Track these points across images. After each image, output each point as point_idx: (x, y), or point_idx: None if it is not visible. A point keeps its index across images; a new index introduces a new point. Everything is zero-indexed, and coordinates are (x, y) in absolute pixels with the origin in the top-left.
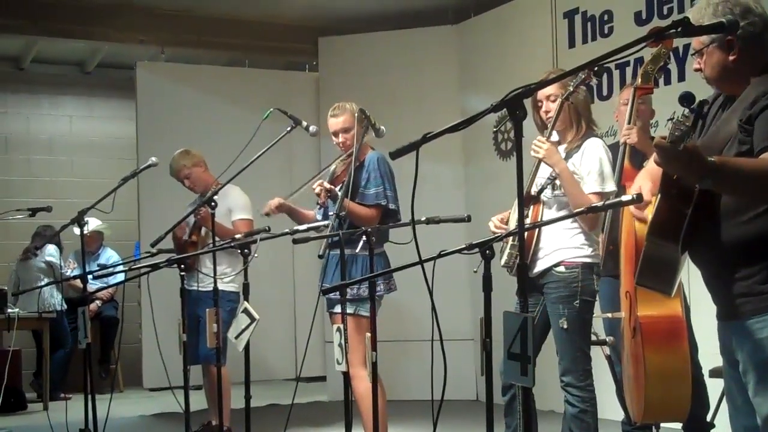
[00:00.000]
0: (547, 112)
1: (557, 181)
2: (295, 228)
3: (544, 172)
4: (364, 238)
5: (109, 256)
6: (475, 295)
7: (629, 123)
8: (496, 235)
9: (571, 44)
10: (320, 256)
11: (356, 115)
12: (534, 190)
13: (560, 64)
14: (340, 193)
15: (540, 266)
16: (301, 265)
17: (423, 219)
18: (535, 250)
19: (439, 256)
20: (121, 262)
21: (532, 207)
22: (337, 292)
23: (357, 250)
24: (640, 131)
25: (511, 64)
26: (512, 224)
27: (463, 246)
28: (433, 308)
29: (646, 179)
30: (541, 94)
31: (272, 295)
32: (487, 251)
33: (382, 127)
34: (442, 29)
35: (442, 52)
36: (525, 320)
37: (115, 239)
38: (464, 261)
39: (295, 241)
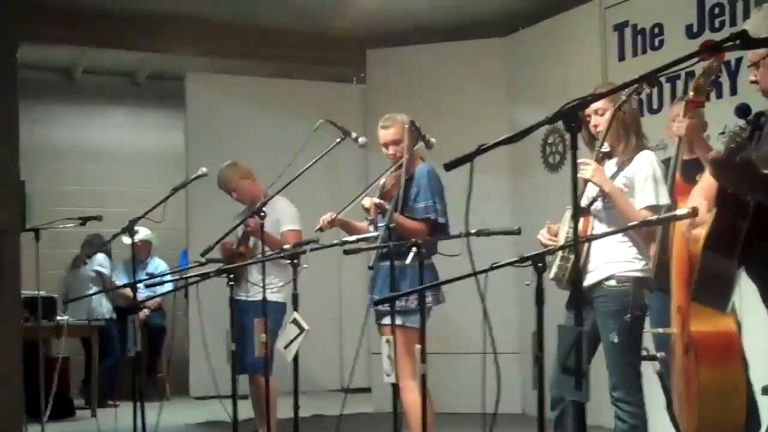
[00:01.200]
0: (596, 126)
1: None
2: (345, 239)
3: (594, 186)
4: (414, 250)
5: (157, 265)
6: (520, 308)
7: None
8: (549, 247)
9: (621, 57)
10: (370, 268)
11: (406, 126)
12: (584, 203)
13: (610, 77)
14: (389, 207)
15: (590, 279)
16: (347, 276)
17: (473, 231)
18: (585, 263)
19: (492, 268)
20: (169, 271)
21: (581, 219)
22: (387, 304)
23: (407, 262)
24: (690, 125)
25: (559, 78)
26: (562, 237)
27: (516, 258)
28: (487, 321)
29: (700, 197)
30: (590, 108)
31: (319, 306)
32: (540, 264)
33: (432, 139)
34: (491, 42)
35: (491, 65)
36: (579, 334)
37: (162, 248)
38: (510, 273)
39: (346, 252)
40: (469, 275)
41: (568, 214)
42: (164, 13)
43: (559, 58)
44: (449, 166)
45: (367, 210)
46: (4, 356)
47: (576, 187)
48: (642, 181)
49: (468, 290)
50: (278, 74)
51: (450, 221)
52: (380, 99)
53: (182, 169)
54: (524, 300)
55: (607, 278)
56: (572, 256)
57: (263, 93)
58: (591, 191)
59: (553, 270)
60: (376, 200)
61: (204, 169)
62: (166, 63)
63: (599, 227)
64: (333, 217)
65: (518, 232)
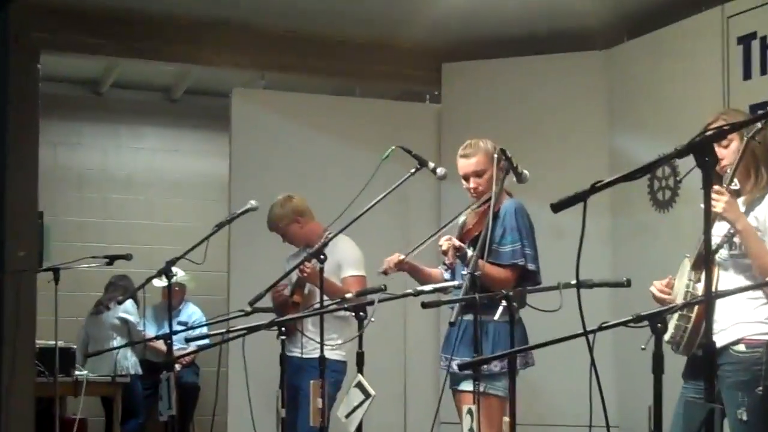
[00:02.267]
0: (720, 159)
1: (736, 239)
2: (419, 288)
3: (719, 229)
4: (503, 303)
5: (191, 312)
6: (620, 374)
7: None
8: (665, 303)
9: (747, 75)
10: (452, 324)
11: (495, 156)
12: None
13: (733, 99)
14: (470, 252)
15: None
16: (413, 332)
17: (572, 282)
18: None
19: (601, 328)
20: (206, 321)
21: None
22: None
23: (496, 318)
24: None
25: (670, 98)
26: (680, 291)
27: (630, 318)
28: (600, 392)
29: None
30: None
31: (380, 366)
32: (660, 325)
33: (526, 171)
34: (589, 55)
35: (588, 82)
36: (712, 412)
37: (198, 293)
38: (610, 332)
39: (424, 306)
40: (574, 336)
41: (686, 263)
42: (207, 20)
43: (670, 76)
44: (557, 207)
45: (444, 253)
46: (16, 415)
47: (709, 230)
48: None
49: (559, 351)
50: (338, 91)
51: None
52: (458, 120)
53: (225, 200)
54: (626, 363)
55: (735, 342)
56: (692, 315)
57: (321, 113)
58: (716, 237)
59: (669, 331)
60: (457, 242)
61: (253, 203)
62: (209, 77)
63: (725, 279)
64: (401, 258)
65: (627, 284)
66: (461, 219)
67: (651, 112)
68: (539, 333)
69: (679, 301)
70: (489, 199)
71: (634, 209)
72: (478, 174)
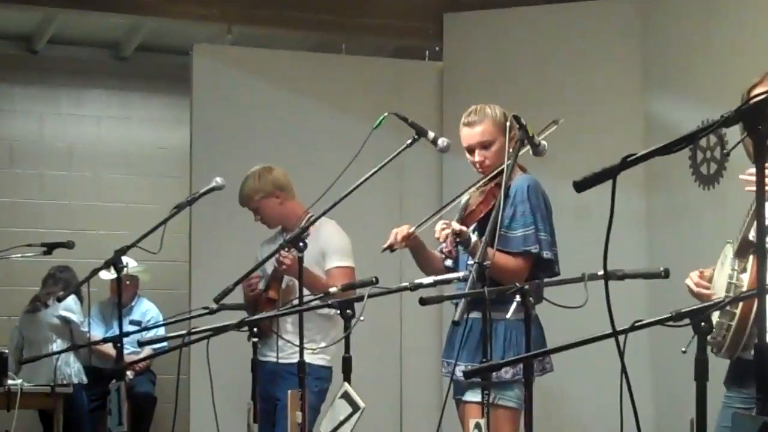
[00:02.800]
0: None
1: None
2: (417, 282)
3: None
4: (517, 298)
5: (145, 310)
6: (657, 381)
7: None
8: (704, 297)
9: None
10: (456, 323)
11: (507, 123)
12: (753, 236)
13: None
14: (474, 237)
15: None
16: (410, 331)
17: (599, 274)
18: (756, 321)
19: (633, 328)
20: (163, 321)
21: (750, 259)
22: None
23: (509, 315)
24: None
25: (719, 54)
26: (721, 284)
27: (668, 315)
28: (632, 402)
29: None
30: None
31: (372, 373)
32: (704, 324)
33: (544, 142)
34: (619, 4)
35: (619, 36)
36: (765, 426)
37: (153, 287)
38: (645, 331)
39: (423, 302)
40: (601, 337)
41: (729, 250)
42: None
43: (719, 28)
44: (581, 185)
45: (441, 239)
46: None
47: (763, 211)
48: None
49: (583, 354)
50: (321, 47)
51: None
52: (463, 81)
53: (186, 177)
54: (664, 368)
55: None
56: (736, 311)
57: (300, 73)
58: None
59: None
60: (457, 226)
61: (219, 180)
62: (165, 30)
63: None
64: (410, 231)
65: (665, 274)
66: (464, 199)
67: (695, 71)
68: (558, 332)
69: (721, 295)
70: (498, 175)
71: (674, 186)
72: (484, 145)
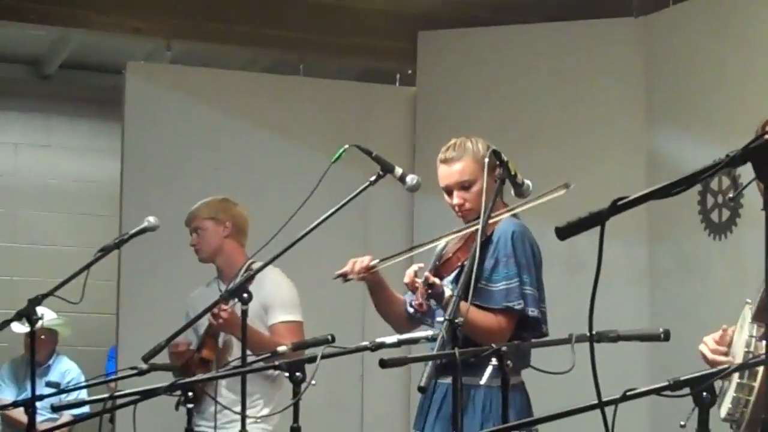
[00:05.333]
0: None
1: None
2: (380, 340)
3: None
4: (494, 361)
5: (65, 369)
6: None
7: None
8: (720, 366)
9: None
10: (421, 389)
11: (486, 160)
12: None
13: None
14: (448, 291)
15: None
16: (374, 397)
17: (592, 335)
18: None
19: (625, 398)
20: (85, 382)
21: None
22: None
23: (482, 381)
24: None
25: (730, 80)
26: (740, 349)
27: (665, 383)
28: None
29: None
30: None
31: None
32: (705, 394)
33: (528, 181)
34: (621, 23)
35: (620, 59)
36: None
37: (75, 343)
38: (645, 401)
39: (383, 365)
40: (586, 408)
41: (748, 312)
42: None
43: (730, 51)
44: (565, 232)
45: (411, 289)
46: None
47: None
48: None
49: (572, 426)
50: (276, 69)
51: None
52: (438, 109)
53: (115, 215)
54: None
55: None
56: (755, 384)
57: (250, 97)
58: None
59: (726, 405)
60: (431, 277)
61: (152, 220)
62: (94, 46)
63: None
64: (371, 264)
65: (665, 337)
66: (440, 245)
67: (703, 100)
68: (549, 402)
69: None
70: (487, 220)
71: (681, 235)
72: (464, 186)
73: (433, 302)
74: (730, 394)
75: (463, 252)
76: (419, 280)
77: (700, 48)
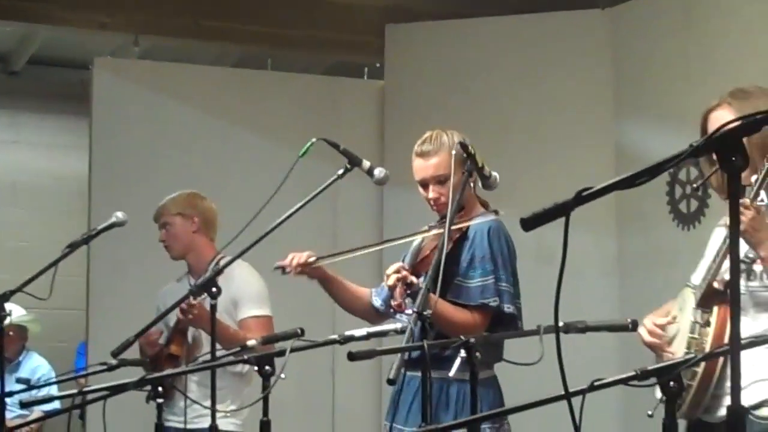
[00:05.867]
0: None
1: (756, 267)
2: (349, 333)
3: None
4: (462, 353)
5: (35, 366)
6: None
7: None
8: (688, 357)
9: None
10: (390, 382)
11: (453, 152)
12: (719, 283)
13: None
14: (425, 285)
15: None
16: (345, 390)
17: (560, 325)
18: (720, 381)
19: (592, 388)
20: (56, 378)
21: (715, 310)
22: None
23: (451, 374)
24: None
25: (699, 70)
26: (678, 336)
27: (632, 373)
28: None
29: None
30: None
31: None
32: (673, 383)
33: (495, 174)
34: (588, 14)
35: (586, 49)
36: None
37: (46, 339)
38: (614, 392)
39: (351, 357)
40: (553, 399)
41: (689, 296)
42: None
43: (699, 39)
44: (529, 223)
45: (390, 287)
46: None
47: (737, 255)
48: None
49: (543, 414)
50: (244, 63)
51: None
52: (406, 102)
53: (83, 211)
54: (633, 429)
55: (758, 406)
56: (698, 369)
57: (219, 91)
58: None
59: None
60: (409, 276)
61: (120, 215)
62: (61, 41)
63: (743, 323)
64: (308, 260)
65: (632, 327)
66: (416, 242)
67: (670, 91)
68: (523, 393)
69: (680, 350)
70: (455, 215)
71: (649, 226)
72: (439, 180)
73: (409, 300)
74: None
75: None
76: (395, 279)
77: (666, 39)
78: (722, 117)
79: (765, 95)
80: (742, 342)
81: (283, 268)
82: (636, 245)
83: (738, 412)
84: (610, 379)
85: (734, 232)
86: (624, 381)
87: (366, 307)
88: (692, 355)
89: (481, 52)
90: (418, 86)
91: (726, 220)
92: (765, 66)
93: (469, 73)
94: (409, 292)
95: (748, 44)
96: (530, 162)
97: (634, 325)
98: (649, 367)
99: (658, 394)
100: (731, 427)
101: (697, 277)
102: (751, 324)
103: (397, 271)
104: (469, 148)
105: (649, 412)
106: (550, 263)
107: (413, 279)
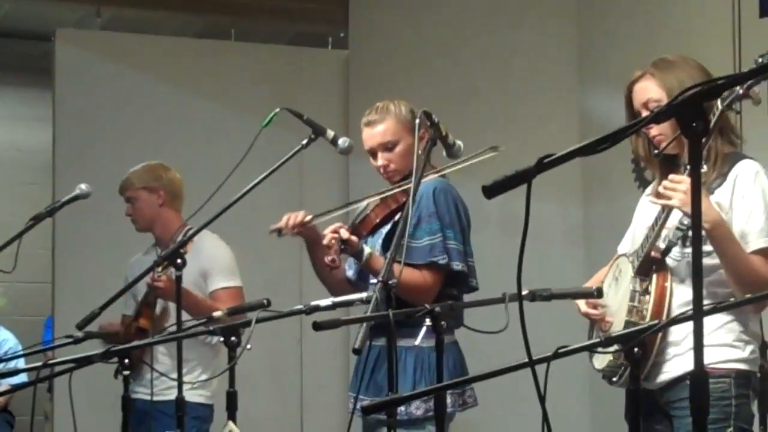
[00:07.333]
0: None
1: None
2: (314, 303)
3: (671, 220)
4: (427, 322)
5: (1, 339)
6: (598, 411)
7: None
8: (651, 323)
9: (766, 11)
10: (356, 351)
11: (417, 120)
12: (656, 252)
13: (746, 42)
14: (367, 249)
15: (667, 374)
16: (312, 361)
17: (525, 294)
18: (660, 348)
19: (557, 355)
20: (22, 351)
21: (654, 278)
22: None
23: (417, 342)
24: None
25: (662, 42)
26: (615, 304)
27: (596, 340)
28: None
29: None
30: (643, 98)
31: (264, 411)
32: (636, 349)
33: (459, 142)
34: None
35: (551, 19)
36: None
37: (12, 312)
38: (582, 358)
39: (317, 327)
40: (517, 367)
41: (625, 265)
42: None
43: (662, 12)
44: (491, 190)
45: (328, 246)
46: None
47: (698, 223)
48: (748, 207)
49: (514, 385)
50: (207, 33)
51: (480, 270)
52: (371, 72)
53: (48, 184)
54: (604, 398)
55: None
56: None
57: (182, 62)
58: (669, 231)
59: (604, 357)
60: (345, 233)
61: (84, 187)
62: (23, 12)
63: (681, 291)
64: (307, 219)
65: (598, 294)
66: (362, 204)
67: (636, 61)
68: (485, 361)
69: (619, 317)
70: (408, 180)
71: (615, 193)
72: (387, 147)
73: (351, 261)
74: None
75: (381, 209)
76: (334, 235)
77: (632, 6)
78: (646, 87)
79: (688, 65)
80: (704, 309)
81: (279, 231)
82: (602, 213)
83: (700, 376)
84: (575, 346)
85: (696, 198)
86: (588, 348)
87: (341, 276)
88: (656, 323)
89: (445, 21)
90: (382, 56)
91: (650, 189)
92: (723, 34)
93: (433, 43)
94: (344, 247)
95: (710, 9)
96: (494, 130)
97: (600, 293)
98: (613, 334)
99: (597, 364)
100: (694, 392)
101: (624, 247)
102: (687, 289)
103: (335, 231)
104: (433, 116)
105: (614, 379)
106: (517, 232)
107: (351, 237)
